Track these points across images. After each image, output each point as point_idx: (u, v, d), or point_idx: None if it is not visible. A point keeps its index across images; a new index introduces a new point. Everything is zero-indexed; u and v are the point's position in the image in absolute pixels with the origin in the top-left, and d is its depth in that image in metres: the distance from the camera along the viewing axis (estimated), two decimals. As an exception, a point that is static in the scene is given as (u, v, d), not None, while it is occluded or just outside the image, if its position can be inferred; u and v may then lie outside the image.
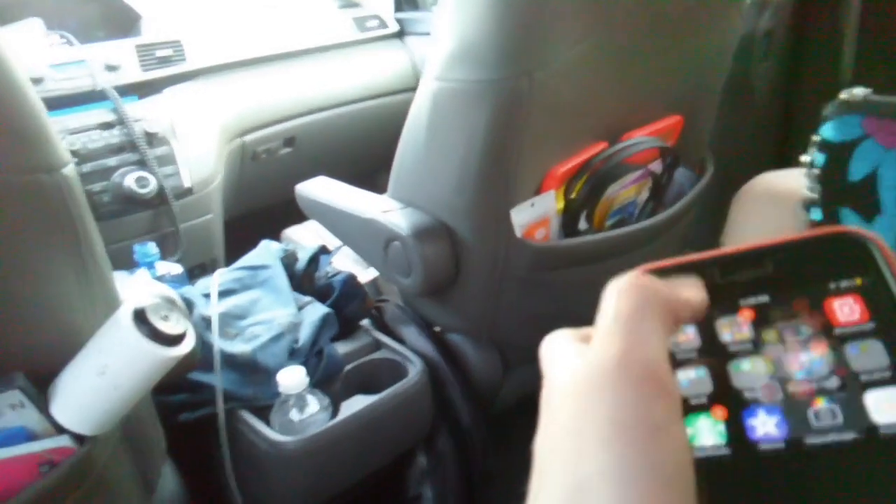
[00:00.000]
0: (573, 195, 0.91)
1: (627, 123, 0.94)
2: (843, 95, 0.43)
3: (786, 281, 0.22)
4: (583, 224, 0.95)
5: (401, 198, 0.96)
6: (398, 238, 0.90)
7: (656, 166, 0.99)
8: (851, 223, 0.45)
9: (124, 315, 0.61)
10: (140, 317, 0.61)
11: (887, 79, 1.12)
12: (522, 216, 0.88)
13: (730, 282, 0.23)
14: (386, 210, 0.94)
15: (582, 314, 0.99)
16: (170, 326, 0.63)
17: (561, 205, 0.92)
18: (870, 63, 1.11)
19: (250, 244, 1.09)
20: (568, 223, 0.93)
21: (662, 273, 0.24)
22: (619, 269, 0.86)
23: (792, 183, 0.80)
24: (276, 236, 1.29)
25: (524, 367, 1.04)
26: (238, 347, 0.86)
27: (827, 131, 0.44)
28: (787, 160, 1.24)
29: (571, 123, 0.88)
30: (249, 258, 1.01)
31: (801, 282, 0.22)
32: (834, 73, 1.11)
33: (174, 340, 0.63)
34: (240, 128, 1.32)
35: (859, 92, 0.43)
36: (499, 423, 1.06)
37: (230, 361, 0.84)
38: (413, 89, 1.62)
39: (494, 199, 0.86)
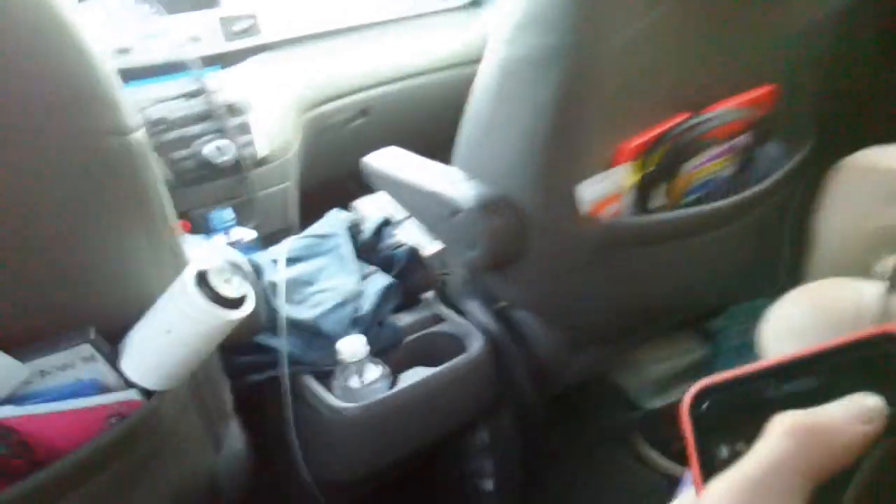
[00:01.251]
0: (648, 169, 0.86)
1: (713, 93, 0.88)
2: None
3: (836, 390, 0.21)
4: (659, 200, 0.90)
5: (466, 169, 0.94)
6: (462, 210, 0.89)
7: (745, 139, 0.92)
8: None
9: (188, 277, 0.63)
10: (202, 280, 0.63)
11: None
12: (591, 191, 0.84)
13: (783, 393, 0.22)
14: (451, 181, 0.92)
15: (655, 297, 0.95)
16: (230, 290, 0.65)
17: (634, 180, 0.87)
18: None
19: (325, 213, 1.10)
20: (641, 199, 0.88)
21: (718, 390, 0.23)
22: (697, 250, 0.81)
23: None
24: (349, 206, 1.31)
25: (591, 349, 1.01)
26: (303, 313, 0.88)
27: None
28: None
29: (648, 93, 0.83)
30: (317, 227, 1.03)
31: (851, 390, 0.21)
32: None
33: (234, 303, 0.65)
34: (315, 99, 1.33)
35: None
36: (562, 402, 1.04)
37: (295, 326, 0.86)
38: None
39: (561, 173, 0.83)
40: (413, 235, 1.04)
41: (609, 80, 0.77)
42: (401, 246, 1.00)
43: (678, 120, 0.85)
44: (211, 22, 1.25)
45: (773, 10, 0.85)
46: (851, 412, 0.20)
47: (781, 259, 1.07)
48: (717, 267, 0.98)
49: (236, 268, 0.71)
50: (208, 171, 1.16)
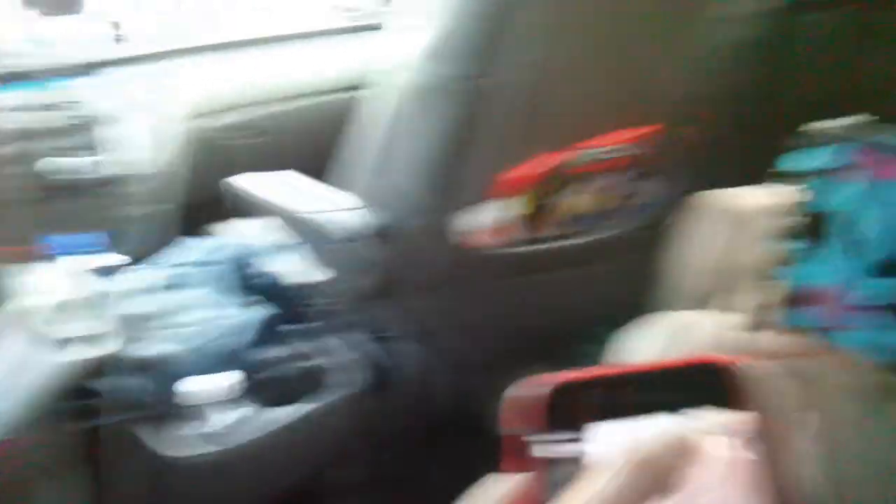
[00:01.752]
0: (535, 201, 0.87)
1: (599, 128, 0.90)
2: (820, 126, 0.44)
3: (655, 406, 0.24)
4: (543, 231, 0.90)
5: (358, 195, 0.91)
6: (351, 238, 0.86)
7: (627, 175, 0.94)
8: (834, 251, 0.45)
9: (13, 315, 0.56)
10: (33, 317, 0.56)
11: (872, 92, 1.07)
12: (478, 220, 0.84)
13: (607, 402, 0.24)
14: (341, 208, 0.89)
15: (534, 326, 0.95)
16: (69, 330, 0.58)
17: (519, 211, 0.87)
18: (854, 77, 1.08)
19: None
20: (526, 230, 0.88)
21: (569, 389, 0.24)
22: (576, 281, 0.82)
23: (742, 200, 0.77)
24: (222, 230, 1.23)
25: (472, 378, 1.00)
26: (165, 348, 0.81)
27: (805, 161, 0.44)
28: (766, 175, 1.20)
29: (540, 127, 0.85)
30: (187, 254, 0.96)
31: (669, 408, 0.23)
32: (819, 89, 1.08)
33: (73, 344, 0.58)
34: (190, 114, 1.26)
35: (837, 123, 0.44)
36: (438, 431, 1.02)
37: (149, 365, 0.78)
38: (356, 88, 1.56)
39: (449, 202, 0.83)
40: (295, 264, 0.99)
41: (500, 112, 0.79)
42: (283, 275, 0.95)
43: (564, 154, 0.86)
44: (73, 29, 1.16)
45: (664, 50, 0.89)
46: (673, 448, 0.22)
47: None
48: (599, 298, 1.00)
49: (83, 302, 0.64)
50: (69, 189, 1.07)
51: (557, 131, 0.86)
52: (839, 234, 0.43)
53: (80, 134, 1.07)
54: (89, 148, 1.07)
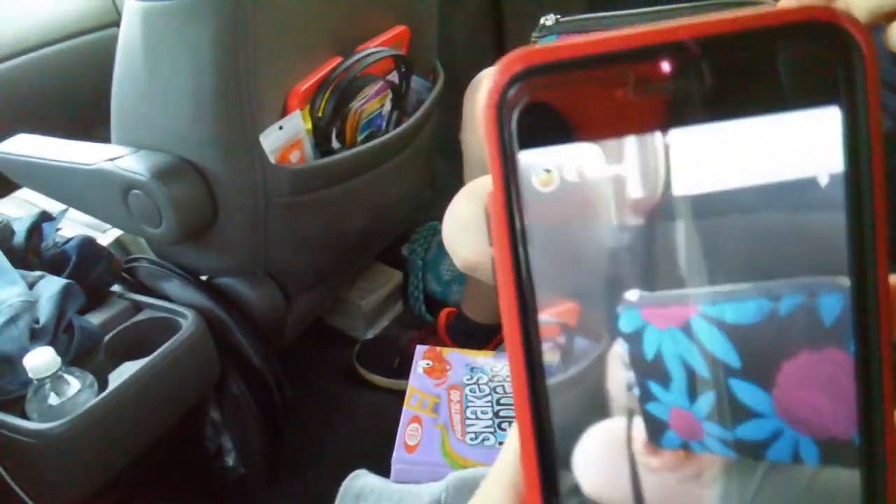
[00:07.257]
0: (319, 113, 0.90)
1: (358, 35, 0.95)
2: (542, 21, 0.51)
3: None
4: (335, 142, 0.95)
5: (130, 142, 0.86)
6: (138, 185, 0.82)
7: (393, 76, 1.01)
8: None
9: None
10: None
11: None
12: (273, 140, 0.85)
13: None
14: (115, 157, 0.84)
15: (350, 233, 1.01)
16: None
17: (309, 124, 0.90)
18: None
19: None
20: (320, 142, 0.92)
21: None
22: (378, 182, 0.90)
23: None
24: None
25: (305, 295, 1.03)
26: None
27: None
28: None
29: (304, 37, 0.87)
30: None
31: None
32: None
33: None
34: None
35: (552, 16, 0.51)
36: (290, 355, 1.05)
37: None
38: (115, 24, 1.42)
39: (239, 126, 0.82)
40: (80, 226, 0.92)
41: (264, 27, 0.78)
42: (70, 240, 0.88)
43: (335, 63, 0.90)
44: None
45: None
46: None
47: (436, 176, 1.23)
48: (396, 194, 1.09)
49: None
50: None
51: (329, 40, 0.89)
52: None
53: None
54: None
